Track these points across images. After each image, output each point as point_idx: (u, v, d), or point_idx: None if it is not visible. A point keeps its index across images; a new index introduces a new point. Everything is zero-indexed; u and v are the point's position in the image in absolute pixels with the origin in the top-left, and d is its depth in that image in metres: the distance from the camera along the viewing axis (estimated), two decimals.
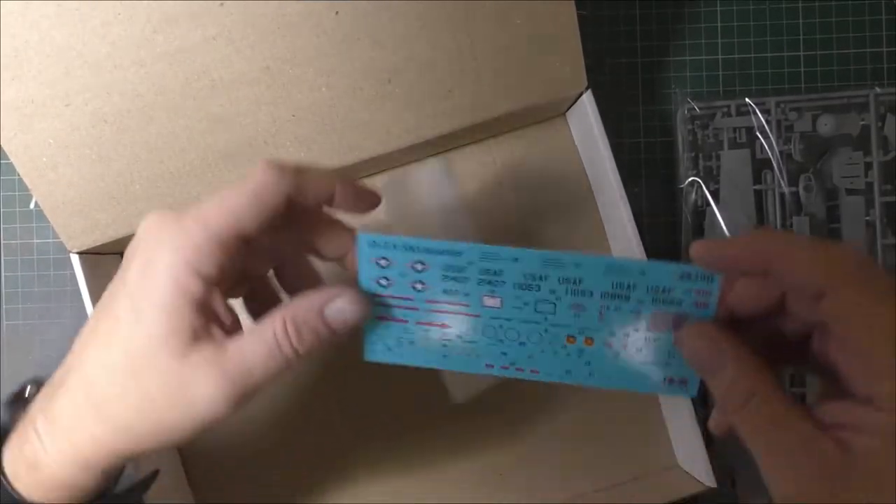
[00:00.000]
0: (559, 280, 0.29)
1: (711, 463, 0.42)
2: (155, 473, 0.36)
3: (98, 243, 0.42)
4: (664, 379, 0.30)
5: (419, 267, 0.30)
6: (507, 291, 0.30)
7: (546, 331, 0.30)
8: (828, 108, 0.47)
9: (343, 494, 0.47)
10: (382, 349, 0.32)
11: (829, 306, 0.25)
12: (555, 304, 0.30)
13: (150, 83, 0.40)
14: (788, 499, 0.25)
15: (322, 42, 0.40)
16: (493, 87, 0.42)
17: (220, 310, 0.30)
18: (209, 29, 0.39)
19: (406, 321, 0.31)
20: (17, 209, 0.50)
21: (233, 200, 0.28)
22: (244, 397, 0.28)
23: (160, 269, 0.27)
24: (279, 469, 0.47)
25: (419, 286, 0.30)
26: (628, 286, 0.29)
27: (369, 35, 0.40)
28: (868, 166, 0.47)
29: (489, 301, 0.30)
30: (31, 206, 0.49)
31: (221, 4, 0.39)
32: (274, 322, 0.28)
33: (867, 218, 0.47)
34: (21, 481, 0.29)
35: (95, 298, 0.42)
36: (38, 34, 0.38)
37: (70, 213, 0.41)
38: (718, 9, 0.50)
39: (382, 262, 0.30)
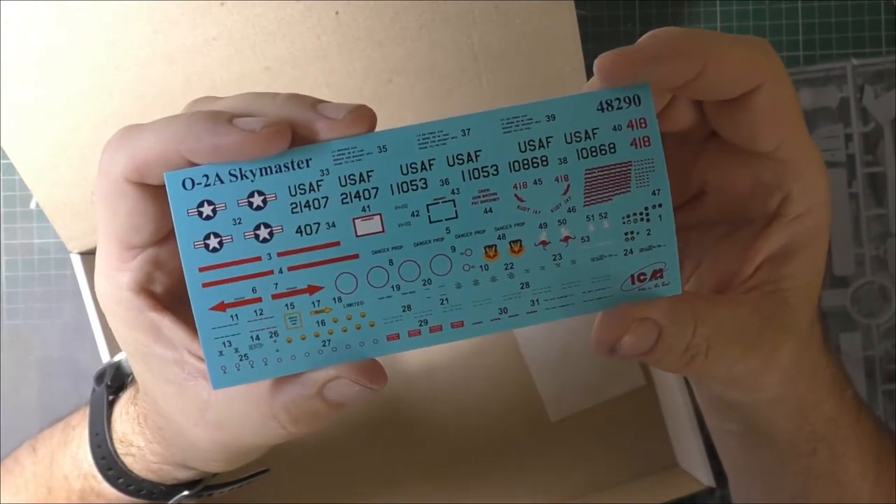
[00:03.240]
0: (448, 161, 0.21)
1: (710, 462, 0.43)
2: (262, 471, 0.36)
3: None
4: (631, 276, 0.22)
5: (257, 201, 0.21)
6: (384, 202, 0.22)
7: (454, 249, 0.22)
8: (806, 82, 0.48)
9: (344, 495, 0.47)
10: (234, 362, 0.22)
11: (764, 103, 0.22)
12: (453, 201, 0.22)
13: (150, 84, 0.40)
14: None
15: (322, 42, 0.40)
16: (493, 87, 0.42)
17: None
18: (210, 29, 0.39)
19: (258, 298, 0.22)
20: (18, 209, 0.50)
21: (112, 232, 0.23)
22: (239, 457, 0.27)
23: (109, 317, 0.25)
24: (280, 469, 0.47)
25: (263, 234, 0.21)
26: (541, 142, 0.21)
27: (369, 35, 0.40)
28: (848, 138, 0.47)
29: (364, 226, 0.22)
30: (32, 206, 0.50)
31: (222, 4, 0.39)
32: (260, 406, 0.23)
33: (850, 190, 0.47)
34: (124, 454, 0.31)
35: (96, 299, 0.42)
36: (38, 34, 0.38)
37: (70, 213, 0.41)
38: (718, 9, 0.50)
39: (206, 211, 0.21)
